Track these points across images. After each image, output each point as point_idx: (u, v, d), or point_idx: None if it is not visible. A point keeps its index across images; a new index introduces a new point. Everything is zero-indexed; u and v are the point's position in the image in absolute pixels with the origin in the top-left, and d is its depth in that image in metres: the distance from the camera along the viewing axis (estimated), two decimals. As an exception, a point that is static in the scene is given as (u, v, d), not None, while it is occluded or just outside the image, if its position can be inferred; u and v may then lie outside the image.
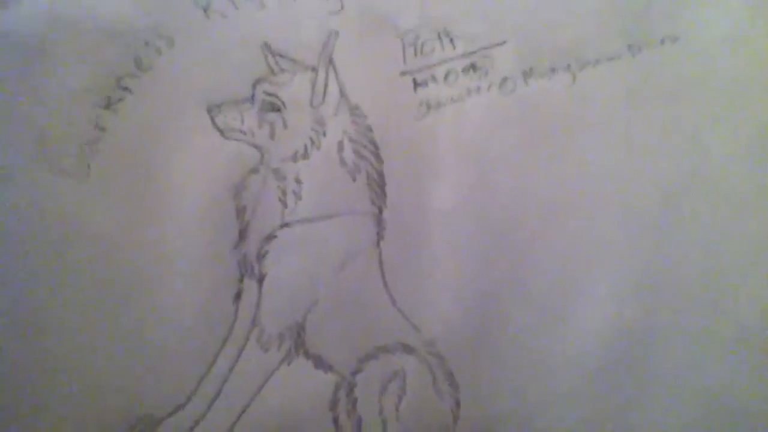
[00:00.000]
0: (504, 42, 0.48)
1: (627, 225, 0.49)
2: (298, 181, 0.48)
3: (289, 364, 0.48)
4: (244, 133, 0.48)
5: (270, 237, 0.48)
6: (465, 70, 0.48)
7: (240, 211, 0.48)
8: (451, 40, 0.48)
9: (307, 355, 0.48)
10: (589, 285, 0.49)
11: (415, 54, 0.48)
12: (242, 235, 0.48)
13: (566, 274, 0.49)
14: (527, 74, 0.48)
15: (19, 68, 0.46)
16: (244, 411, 0.48)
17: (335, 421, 0.48)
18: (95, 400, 0.47)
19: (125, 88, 0.47)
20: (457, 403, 0.48)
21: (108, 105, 0.47)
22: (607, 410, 0.49)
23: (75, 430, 0.47)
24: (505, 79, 0.48)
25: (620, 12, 0.48)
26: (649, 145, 0.49)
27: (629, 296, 0.49)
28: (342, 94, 0.48)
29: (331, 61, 0.48)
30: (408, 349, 0.48)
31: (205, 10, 0.47)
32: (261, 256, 0.48)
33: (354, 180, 0.48)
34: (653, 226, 0.49)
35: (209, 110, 0.48)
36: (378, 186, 0.49)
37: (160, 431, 0.47)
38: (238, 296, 0.48)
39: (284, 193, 0.48)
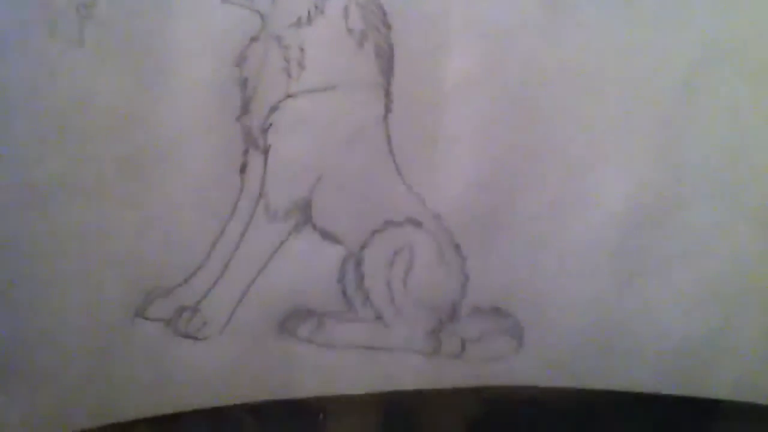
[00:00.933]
0: None
1: (646, 100, 0.47)
2: (301, 50, 0.46)
3: (297, 236, 0.48)
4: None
5: (274, 108, 0.47)
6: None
7: (242, 82, 0.46)
8: None
9: (315, 228, 0.48)
10: (605, 162, 0.48)
11: None
12: (245, 106, 0.47)
13: (583, 150, 0.47)
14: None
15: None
16: (252, 282, 0.48)
17: (343, 293, 0.48)
18: (109, 272, 0.47)
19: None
20: (465, 278, 0.48)
21: (99, -33, 0.44)
22: (620, 287, 0.49)
23: (92, 302, 0.47)
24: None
25: None
26: (659, 36, 0.46)
27: (647, 173, 0.48)
28: (348, -46, 0.45)
29: None
30: (415, 223, 0.48)
31: None
32: (265, 128, 0.47)
33: (360, 47, 0.46)
34: (673, 99, 0.47)
35: (208, -27, 0.45)
36: (386, 55, 0.46)
37: (171, 301, 0.48)
38: (243, 168, 0.47)
39: (287, 62, 0.46)
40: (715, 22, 0.46)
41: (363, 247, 0.48)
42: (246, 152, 0.47)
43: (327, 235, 0.48)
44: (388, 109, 0.47)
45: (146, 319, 0.48)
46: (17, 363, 0.47)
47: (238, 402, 0.49)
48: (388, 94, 0.47)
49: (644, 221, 0.48)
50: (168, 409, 0.49)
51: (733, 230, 0.48)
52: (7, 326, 0.46)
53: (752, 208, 0.48)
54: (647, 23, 0.46)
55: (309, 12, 0.45)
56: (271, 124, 0.47)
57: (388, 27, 0.46)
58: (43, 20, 0.44)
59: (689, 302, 0.49)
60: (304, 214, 0.48)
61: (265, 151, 0.47)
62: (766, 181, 0.48)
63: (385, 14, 0.46)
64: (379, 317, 0.49)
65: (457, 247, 0.48)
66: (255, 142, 0.47)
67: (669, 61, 0.46)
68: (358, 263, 0.48)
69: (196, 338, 0.48)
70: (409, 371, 0.50)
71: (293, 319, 0.49)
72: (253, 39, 0.46)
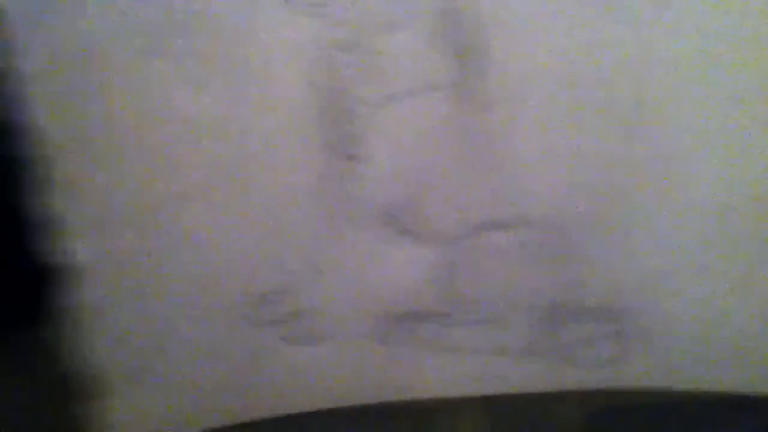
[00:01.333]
0: None
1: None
2: (385, 55, 0.44)
3: (394, 240, 0.48)
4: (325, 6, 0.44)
5: (362, 116, 0.46)
6: None
7: (329, 91, 0.46)
8: None
9: (407, 233, 0.48)
10: (711, 155, 0.46)
11: None
12: (335, 115, 0.46)
13: (684, 141, 0.45)
14: None
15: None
16: (356, 289, 0.49)
17: (445, 296, 0.48)
18: (221, 278, 0.49)
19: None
20: (571, 278, 0.48)
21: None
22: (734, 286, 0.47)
23: (208, 307, 0.49)
24: None
25: None
26: None
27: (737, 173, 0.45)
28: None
29: None
30: (517, 223, 0.47)
31: None
32: (351, 136, 0.46)
33: (443, 49, 0.44)
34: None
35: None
36: (468, 59, 0.44)
37: (269, 307, 0.49)
38: (338, 176, 0.47)
39: (371, 69, 0.45)
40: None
41: (464, 249, 0.48)
42: (339, 160, 0.47)
43: (425, 239, 0.48)
44: (475, 110, 0.45)
45: (257, 324, 0.50)
46: (153, 363, 0.50)
47: (351, 404, 0.51)
48: (473, 93, 0.45)
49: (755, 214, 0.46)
50: (286, 410, 0.51)
51: None
52: (141, 328, 0.49)
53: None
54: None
55: (393, 16, 0.44)
56: (357, 130, 0.46)
57: (478, 29, 0.43)
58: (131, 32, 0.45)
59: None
60: (399, 218, 0.48)
61: (357, 159, 0.47)
62: None
63: (466, 19, 0.44)
64: (482, 320, 0.49)
65: (560, 247, 0.47)
66: (341, 149, 0.47)
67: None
68: (459, 265, 0.48)
69: (305, 344, 0.50)
70: (514, 373, 0.50)
71: (398, 323, 0.49)
72: (338, 48, 0.45)
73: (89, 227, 0.47)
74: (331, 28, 0.45)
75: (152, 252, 0.48)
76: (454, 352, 0.50)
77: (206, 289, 0.49)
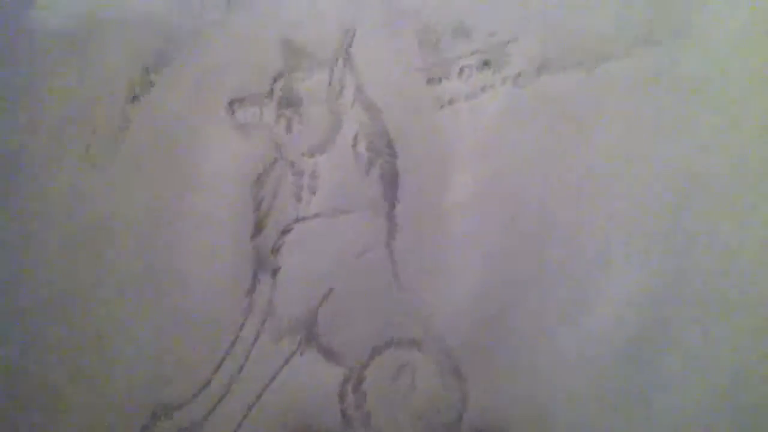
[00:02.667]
0: (518, 38, 0.48)
1: (641, 222, 0.48)
2: (313, 176, 0.49)
3: (301, 355, 0.49)
4: (263, 128, 0.49)
5: (286, 231, 0.49)
6: (479, 67, 0.49)
7: (257, 205, 0.49)
8: (468, 36, 0.49)
9: (318, 347, 0.49)
10: (604, 281, 0.48)
11: (431, 51, 0.49)
12: (259, 227, 0.49)
13: (582, 268, 0.48)
14: (541, 69, 0.48)
15: (53, 65, 0.49)
16: (255, 402, 0.48)
17: (343, 414, 0.48)
18: (121, 384, 0.49)
19: (150, 82, 0.49)
20: (465, 397, 0.47)
21: (134, 98, 0.49)
22: (621, 406, 0.47)
23: (102, 418, 0.48)
24: (519, 75, 0.48)
25: (635, 7, 0.48)
26: (660, 143, 0.48)
27: (644, 294, 0.47)
28: (358, 89, 0.49)
29: (348, 58, 0.49)
30: (417, 344, 0.48)
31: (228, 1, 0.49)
32: (276, 250, 0.49)
33: (367, 174, 0.49)
34: (666, 225, 0.48)
35: (230, 104, 0.49)
36: (391, 180, 0.49)
37: (178, 418, 0.48)
38: (251, 290, 0.49)
39: (300, 187, 0.49)
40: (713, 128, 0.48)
41: (365, 367, 0.48)
42: (255, 273, 0.49)
43: (330, 354, 0.48)
44: (392, 231, 0.49)
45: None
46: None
47: None
48: (392, 217, 0.49)
49: (639, 332, 0.47)
50: None
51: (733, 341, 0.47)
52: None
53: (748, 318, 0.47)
54: (648, 131, 0.48)
55: (321, 141, 0.49)
56: (281, 245, 0.49)
57: (395, 155, 0.49)
58: (78, 143, 0.49)
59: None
60: (308, 333, 0.49)
61: (275, 271, 0.49)
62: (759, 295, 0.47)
63: (391, 142, 0.49)
64: None
65: (457, 368, 0.48)
66: (265, 262, 0.49)
67: (662, 183, 0.48)
68: (359, 382, 0.48)
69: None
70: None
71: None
72: (270, 165, 0.50)
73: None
74: (266, 146, 0.50)
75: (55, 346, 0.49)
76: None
77: (103, 396, 0.48)
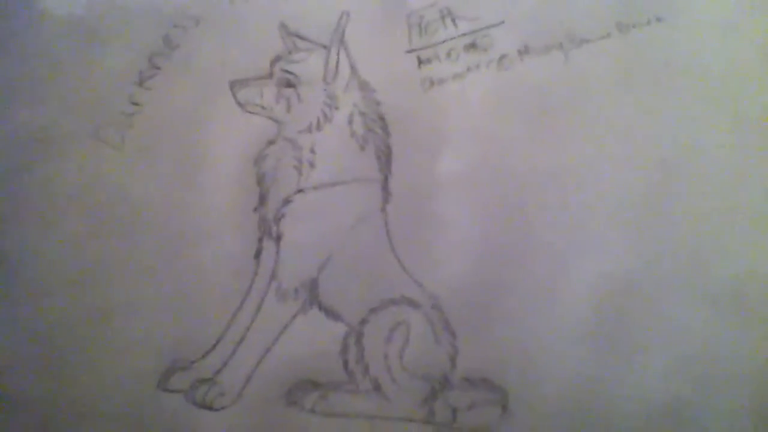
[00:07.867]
0: (502, 22, 0.52)
1: (621, 198, 0.51)
2: (312, 151, 0.53)
3: (305, 315, 0.53)
4: (263, 108, 0.53)
5: (287, 201, 0.53)
6: (466, 49, 0.52)
7: (260, 178, 0.53)
8: (454, 21, 0.52)
9: (320, 307, 0.53)
10: (586, 252, 0.52)
11: (420, 34, 0.52)
12: (262, 199, 0.53)
13: (564, 240, 0.52)
14: (523, 52, 0.52)
15: (62, 50, 0.51)
16: (264, 357, 0.53)
17: (345, 366, 0.53)
18: (136, 345, 0.53)
19: (156, 66, 0.52)
20: (455, 352, 0.53)
21: (141, 82, 0.52)
22: (605, 365, 0.51)
23: (121, 373, 0.53)
24: (503, 57, 0.52)
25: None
26: (636, 126, 0.51)
27: (622, 260, 0.52)
28: (353, 70, 0.53)
29: (342, 41, 0.52)
30: (411, 303, 0.53)
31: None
32: (278, 219, 0.53)
33: (362, 150, 0.53)
34: (646, 199, 0.51)
35: (231, 86, 0.52)
36: (384, 156, 0.53)
37: (190, 373, 0.53)
38: (257, 254, 0.53)
39: (299, 161, 0.53)
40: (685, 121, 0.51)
41: (363, 324, 0.53)
42: (261, 239, 0.53)
43: (331, 313, 0.53)
44: (386, 201, 0.53)
45: (167, 390, 0.53)
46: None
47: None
48: (386, 188, 0.53)
49: (619, 303, 0.52)
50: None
51: (702, 313, 0.51)
52: (47, 392, 0.52)
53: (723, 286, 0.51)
54: (630, 113, 0.51)
55: (318, 120, 0.53)
56: (284, 214, 0.53)
57: (387, 133, 0.53)
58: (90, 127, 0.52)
59: (662, 374, 0.52)
60: (311, 294, 0.53)
61: (278, 238, 0.53)
62: (733, 267, 0.51)
63: (384, 120, 0.53)
64: (377, 388, 0.53)
65: (448, 324, 0.53)
66: (269, 230, 0.53)
67: (639, 164, 0.51)
68: (359, 338, 0.53)
69: (212, 408, 0.53)
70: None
71: (299, 391, 0.53)
72: (271, 142, 0.53)
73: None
74: (268, 126, 0.53)
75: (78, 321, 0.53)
76: (350, 419, 0.53)
77: (122, 355, 0.53)
